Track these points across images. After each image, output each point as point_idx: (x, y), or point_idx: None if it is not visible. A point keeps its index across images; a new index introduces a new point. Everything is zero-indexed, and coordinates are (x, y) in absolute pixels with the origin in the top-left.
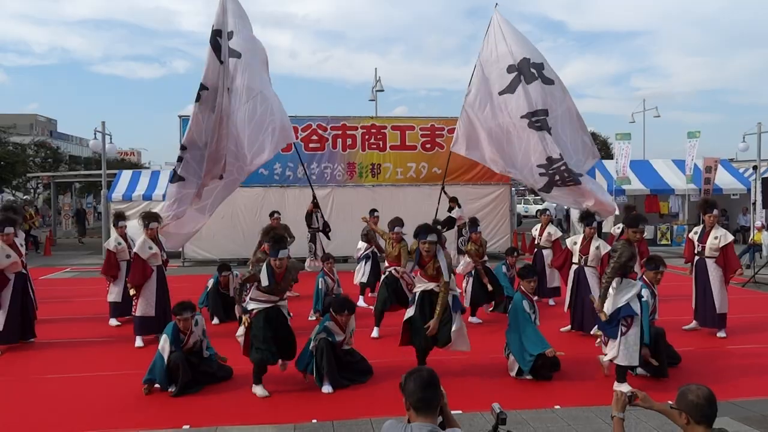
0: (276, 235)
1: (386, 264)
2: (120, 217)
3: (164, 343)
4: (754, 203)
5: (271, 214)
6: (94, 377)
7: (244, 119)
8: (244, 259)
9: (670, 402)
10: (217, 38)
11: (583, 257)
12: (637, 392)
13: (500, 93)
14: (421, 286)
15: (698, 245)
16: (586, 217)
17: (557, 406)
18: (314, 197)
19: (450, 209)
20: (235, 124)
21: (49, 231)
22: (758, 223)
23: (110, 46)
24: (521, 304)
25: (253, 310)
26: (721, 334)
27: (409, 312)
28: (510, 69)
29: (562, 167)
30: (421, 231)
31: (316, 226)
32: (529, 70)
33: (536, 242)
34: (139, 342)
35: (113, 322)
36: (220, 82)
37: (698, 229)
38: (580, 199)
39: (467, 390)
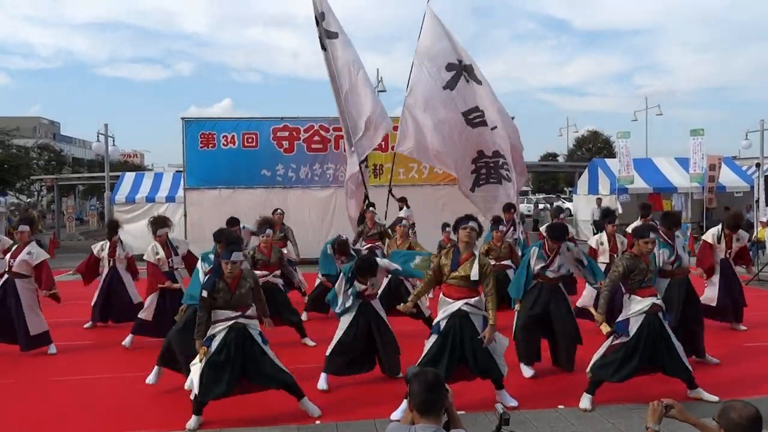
0: (231, 236)
1: (364, 243)
2: (161, 224)
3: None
4: (758, 200)
5: (274, 211)
6: (98, 379)
7: (359, 89)
8: None
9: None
10: (317, 27)
11: (613, 256)
12: (674, 403)
13: (444, 88)
14: (447, 308)
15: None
16: (608, 215)
17: (561, 406)
18: (366, 197)
19: (400, 209)
20: (353, 99)
21: (53, 233)
22: (762, 220)
23: (116, 49)
24: (532, 251)
25: (213, 336)
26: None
27: (428, 347)
28: (450, 67)
29: (491, 163)
30: (462, 219)
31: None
32: (463, 71)
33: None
34: (126, 341)
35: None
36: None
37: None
38: (491, 204)
39: (471, 390)
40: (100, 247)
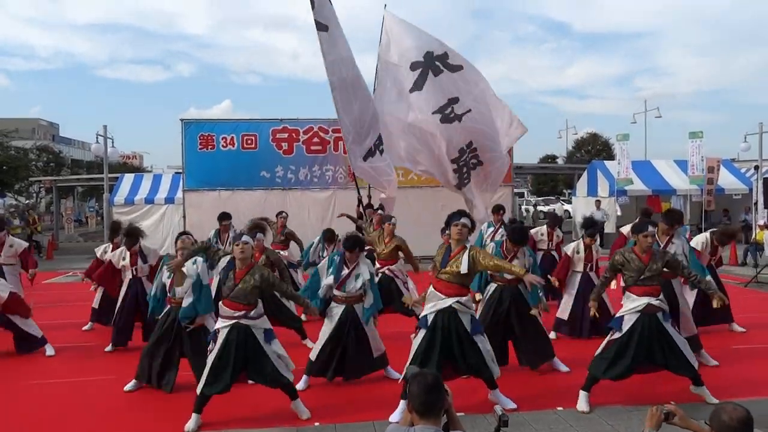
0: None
1: (377, 264)
2: (134, 236)
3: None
4: (756, 203)
5: (278, 214)
6: (100, 381)
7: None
8: None
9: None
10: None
11: (588, 265)
12: (675, 410)
13: (410, 91)
14: (437, 303)
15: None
16: (590, 226)
17: (560, 408)
18: (360, 201)
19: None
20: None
21: (51, 235)
22: (760, 222)
23: (116, 50)
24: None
25: (217, 331)
26: None
27: (417, 343)
28: (414, 66)
29: (470, 155)
30: (454, 215)
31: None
32: (434, 63)
33: (547, 247)
34: (110, 347)
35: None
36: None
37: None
38: (480, 189)
39: (469, 392)
40: (103, 250)
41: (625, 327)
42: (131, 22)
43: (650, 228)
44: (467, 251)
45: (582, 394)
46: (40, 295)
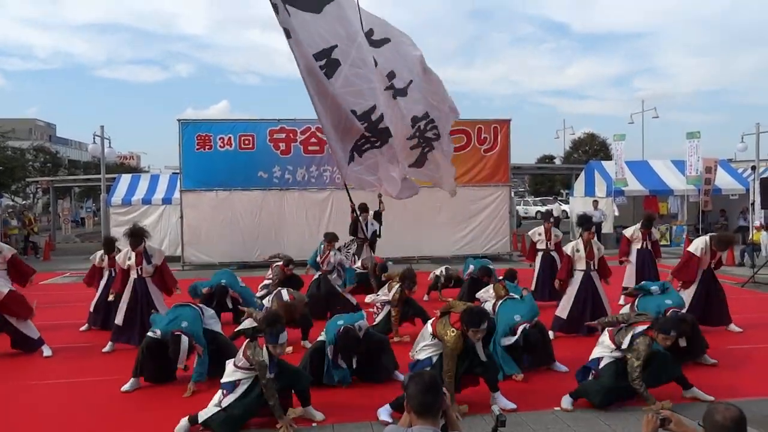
0: (270, 318)
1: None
2: (138, 236)
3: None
4: (753, 203)
5: (274, 257)
6: (98, 382)
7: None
8: (243, 262)
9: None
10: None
11: (590, 262)
12: (671, 415)
13: (331, 79)
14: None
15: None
16: (584, 222)
17: (557, 408)
18: (352, 204)
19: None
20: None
21: (48, 236)
22: (757, 223)
23: (114, 50)
24: None
25: (237, 381)
26: None
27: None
28: (321, 55)
29: (416, 133)
30: (474, 319)
31: (362, 236)
32: (370, 40)
33: (546, 246)
34: (109, 347)
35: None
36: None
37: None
38: (435, 173)
39: (467, 393)
40: (100, 257)
41: (600, 363)
42: (130, 23)
43: (672, 333)
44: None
45: (568, 397)
46: (37, 296)
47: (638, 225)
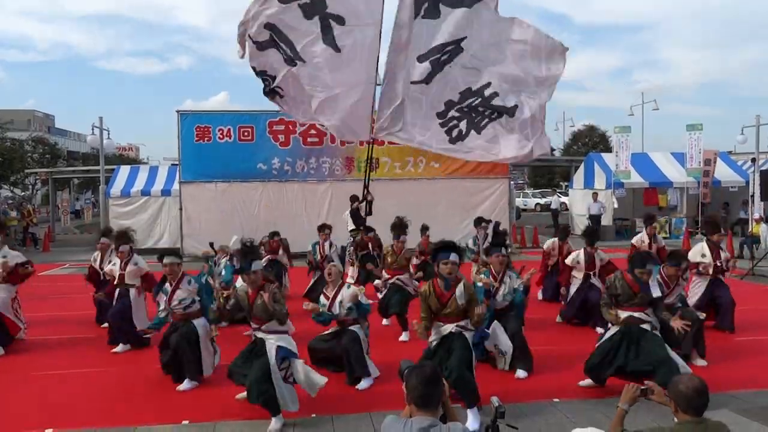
0: (246, 248)
1: (386, 275)
2: (123, 239)
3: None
4: (753, 196)
5: (272, 236)
6: (95, 373)
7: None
8: None
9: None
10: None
11: (590, 274)
12: (653, 385)
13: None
14: (441, 329)
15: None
16: (590, 235)
17: (556, 399)
18: (352, 200)
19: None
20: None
21: (48, 227)
22: (756, 215)
23: (114, 42)
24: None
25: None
26: None
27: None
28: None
29: (465, 108)
30: (441, 251)
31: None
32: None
33: (557, 261)
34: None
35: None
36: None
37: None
38: (490, 150)
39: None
40: (101, 260)
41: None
42: (130, 15)
43: (648, 266)
44: (462, 285)
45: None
46: (36, 288)
47: (643, 232)
